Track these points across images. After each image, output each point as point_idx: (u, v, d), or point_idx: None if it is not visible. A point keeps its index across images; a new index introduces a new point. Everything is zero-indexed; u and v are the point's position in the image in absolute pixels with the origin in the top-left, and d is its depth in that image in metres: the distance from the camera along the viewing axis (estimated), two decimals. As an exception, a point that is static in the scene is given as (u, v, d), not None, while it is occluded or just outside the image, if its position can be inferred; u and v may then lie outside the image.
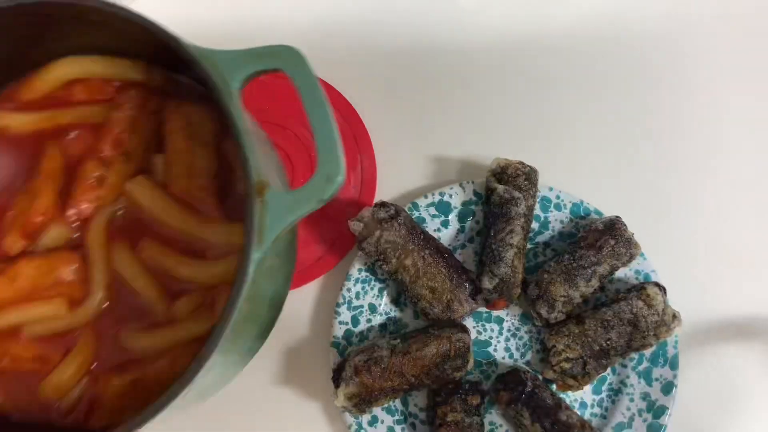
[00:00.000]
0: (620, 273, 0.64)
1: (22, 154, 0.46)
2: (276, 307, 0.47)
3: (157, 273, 0.44)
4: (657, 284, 0.61)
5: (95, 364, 0.44)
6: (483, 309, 0.65)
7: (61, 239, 0.45)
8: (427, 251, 0.61)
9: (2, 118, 0.46)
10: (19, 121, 0.46)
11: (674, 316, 0.60)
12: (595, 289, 0.62)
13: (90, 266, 0.44)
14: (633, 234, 0.62)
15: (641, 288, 0.61)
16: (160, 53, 0.43)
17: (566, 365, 0.60)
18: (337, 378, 0.59)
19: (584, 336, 0.60)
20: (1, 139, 0.46)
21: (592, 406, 0.63)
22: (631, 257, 0.62)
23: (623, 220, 0.62)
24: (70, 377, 0.43)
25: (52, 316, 0.44)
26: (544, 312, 0.61)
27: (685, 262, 0.68)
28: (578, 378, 0.60)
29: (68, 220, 0.45)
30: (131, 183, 0.45)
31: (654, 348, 0.62)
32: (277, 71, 0.39)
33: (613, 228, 0.62)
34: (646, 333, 0.60)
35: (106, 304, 0.44)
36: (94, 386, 0.44)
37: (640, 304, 0.60)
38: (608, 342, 0.60)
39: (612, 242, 0.61)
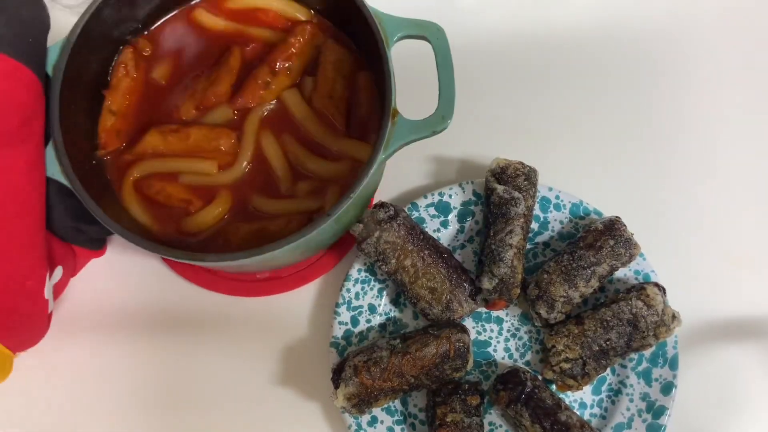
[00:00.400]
0: (620, 273, 0.64)
1: (211, 47, 0.62)
2: (363, 207, 0.61)
3: (289, 160, 0.59)
4: (656, 284, 0.61)
5: (228, 214, 0.58)
6: (483, 309, 0.65)
7: (224, 118, 0.60)
8: (426, 251, 0.61)
9: (203, 15, 0.62)
10: (213, 22, 0.62)
11: (674, 317, 0.60)
12: (594, 290, 0.62)
13: (242, 142, 0.59)
14: (633, 234, 0.62)
15: (641, 288, 0.61)
16: (330, 6, 0.61)
17: (566, 365, 0.60)
18: (337, 378, 0.59)
19: (584, 336, 0.60)
20: (201, 32, 0.62)
21: (592, 406, 0.63)
22: (631, 257, 0.62)
23: (623, 220, 0.63)
24: (209, 219, 0.57)
25: (205, 172, 0.59)
26: (543, 312, 0.61)
27: (685, 262, 0.68)
28: (578, 378, 0.60)
29: (234, 107, 0.60)
30: (287, 92, 0.60)
31: (653, 348, 0.62)
32: (422, 38, 0.55)
33: (613, 228, 0.62)
34: (646, 333, 0.59)
35: (247, 173, 0.59)
36: (226, 229, 0.57)
37: (640, 304, 0.60)
38: (608, 342, 0.60)
39: (611, 242, 0.61)
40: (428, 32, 0.55)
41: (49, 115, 0.53)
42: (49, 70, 0.54)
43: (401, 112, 0.53)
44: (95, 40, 0.57)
